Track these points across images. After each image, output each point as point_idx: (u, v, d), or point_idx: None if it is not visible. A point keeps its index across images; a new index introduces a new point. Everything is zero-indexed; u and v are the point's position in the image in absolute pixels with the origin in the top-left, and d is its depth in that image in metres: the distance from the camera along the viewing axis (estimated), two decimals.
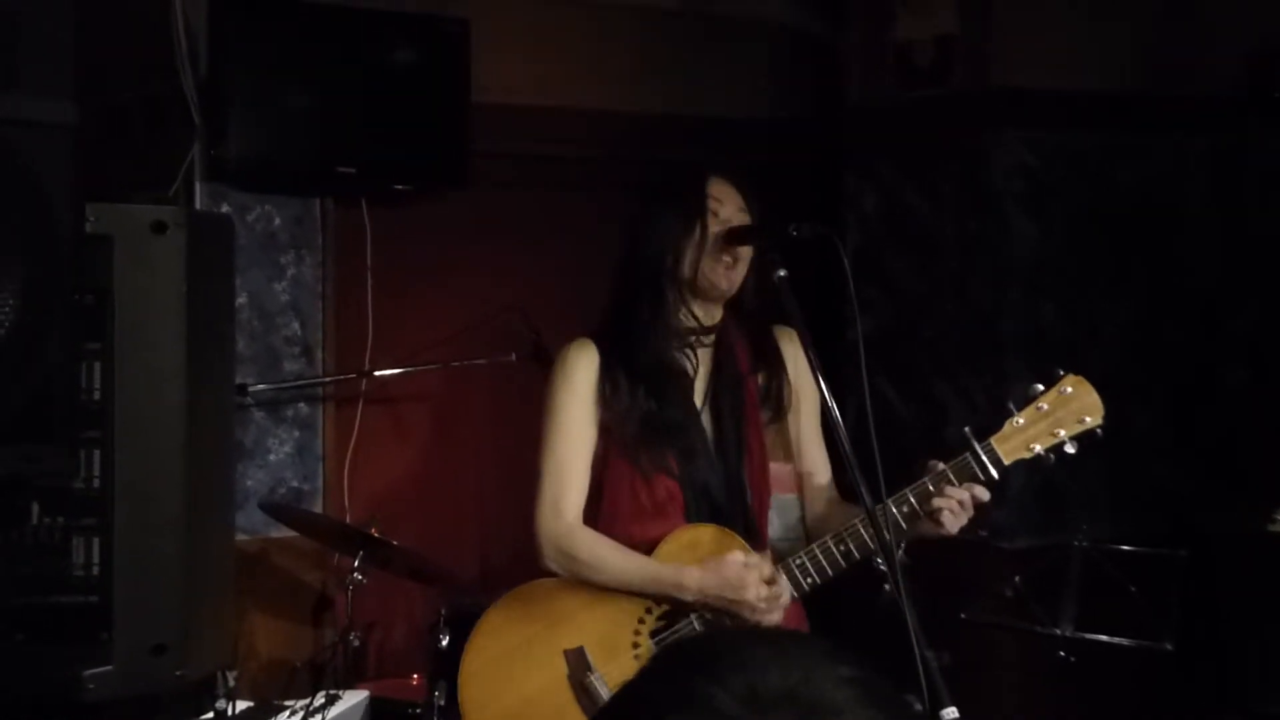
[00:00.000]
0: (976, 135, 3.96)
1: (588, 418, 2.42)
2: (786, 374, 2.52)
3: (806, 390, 2.51)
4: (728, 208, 2.44)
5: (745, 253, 2.43)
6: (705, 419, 2.46)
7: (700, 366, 2.48)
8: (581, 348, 2.44)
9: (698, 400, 2.46)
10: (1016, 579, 3.26)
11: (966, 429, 2.31)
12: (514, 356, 3.70)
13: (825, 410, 2.22)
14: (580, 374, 2.42)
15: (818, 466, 2.53)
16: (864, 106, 4.20)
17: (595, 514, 2.44)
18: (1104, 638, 3.18)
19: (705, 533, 2.42)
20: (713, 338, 2.49)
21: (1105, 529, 3.51)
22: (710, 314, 2.49)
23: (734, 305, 2.50)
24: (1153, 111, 4.01)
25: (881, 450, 2.07)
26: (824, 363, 2.23)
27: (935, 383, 4.01)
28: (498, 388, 3.83)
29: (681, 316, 2.46)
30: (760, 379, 2.52)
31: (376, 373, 3.74)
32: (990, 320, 3.96)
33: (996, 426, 2.31)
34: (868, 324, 3.82)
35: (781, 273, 2.27)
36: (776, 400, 2.51)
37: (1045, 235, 3.97)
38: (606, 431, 2.43)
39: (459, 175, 3.70)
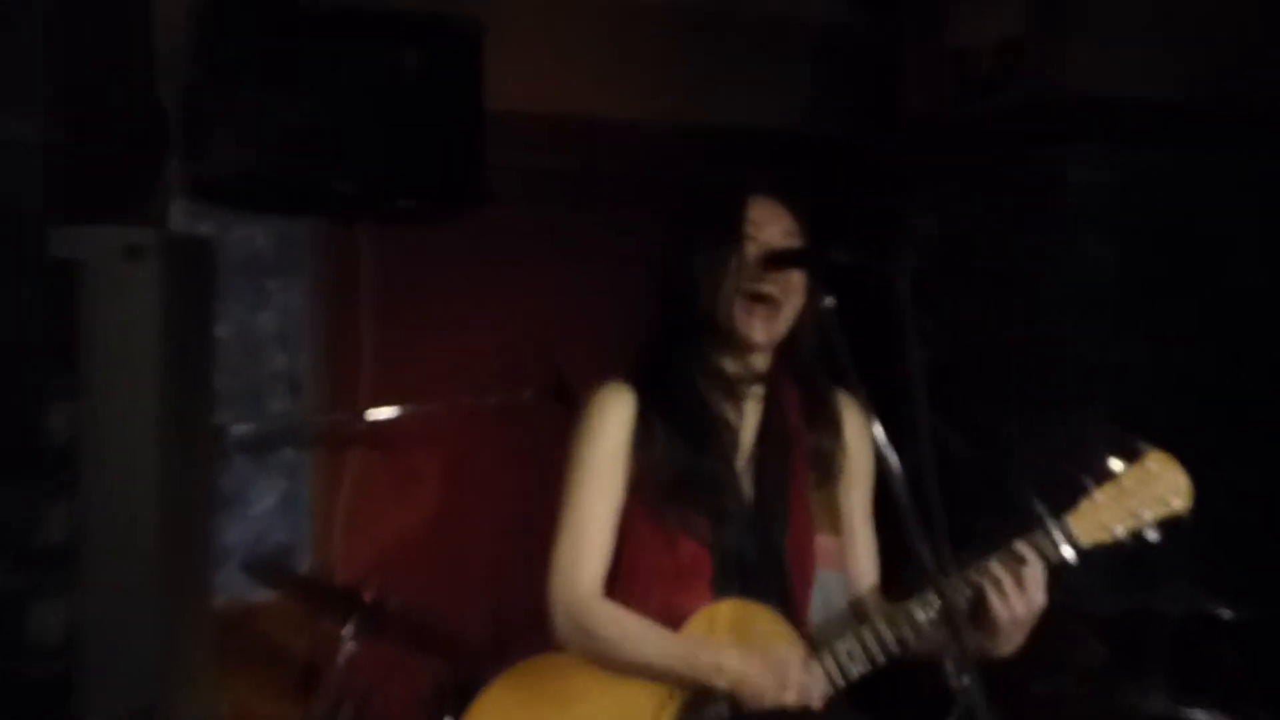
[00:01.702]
0: (1047, 149, 3.95)
1: (617, 475, 2.39)
2: (843, 439, 2.50)
3: (862, 463, 2.50)
4: (770, 231, 2.42)
5: (792, 289, 2.40)
6: (746, 478, 2.44)
7: (746, 419, 2.45)
8: (615, 394, 2.41)
9: (740, 457, 2.44)
10: (1099, 647, 3.28)
11: (1039, 504, 2.34)
12: (530, 395, 3.69)
13: (887, 484, 2.19)
14: (612, 424, 2.39)
15: (865, 549, 2.52)
16: (919, 117, 4.23)
17: (610, 575, 2.43)
18: (1200, 715, 3.16)
19: (742, 610, 2.39)
20: (761, 388, 2.47)
21: (1202, 591, 3.50)
22: (757, 360, 2.46)
23: (787, 352, 2.47)
24: (1247, 126, 3.99)
25: (943, 500, 2.07)
26: (875, 404, 2.24)
27: (1000, 425, 3.97)
28: (512, 430, 3.83)
29: (723, 363, 2.44)
30: (812, 438, 2.49)
31: (373, 413, 3.72)
32: (1063, 356, 3.94)
33: (1070, 500, 2.33)
34: (925, 358, 3.81)
35: (828, 301, 2.26)
36: (828, 463, 2.50)
37: (1124, 261, 3.95)
38: (634, 484, 2.41)
39: (469, 191, 3.68)
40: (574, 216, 4.05)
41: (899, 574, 2.40)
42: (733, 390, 2.43)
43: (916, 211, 4.19)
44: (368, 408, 3.75)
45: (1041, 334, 3.97)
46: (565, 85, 4.05)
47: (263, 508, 3.78)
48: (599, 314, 3.78)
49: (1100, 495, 2.33)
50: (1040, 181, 3.95)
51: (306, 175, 3.55)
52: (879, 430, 2.17)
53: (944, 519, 2.07)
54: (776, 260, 2.39)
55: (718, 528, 2.38)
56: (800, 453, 2.48)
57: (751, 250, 2.39)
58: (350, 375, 3.82)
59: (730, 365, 2.44)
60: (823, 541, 2.49)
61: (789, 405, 2.49)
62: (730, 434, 2.43)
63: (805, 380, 2.48)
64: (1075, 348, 3.92)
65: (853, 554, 2.51)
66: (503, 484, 3.94)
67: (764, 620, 2.39)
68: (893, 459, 2.14)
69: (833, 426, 2.49)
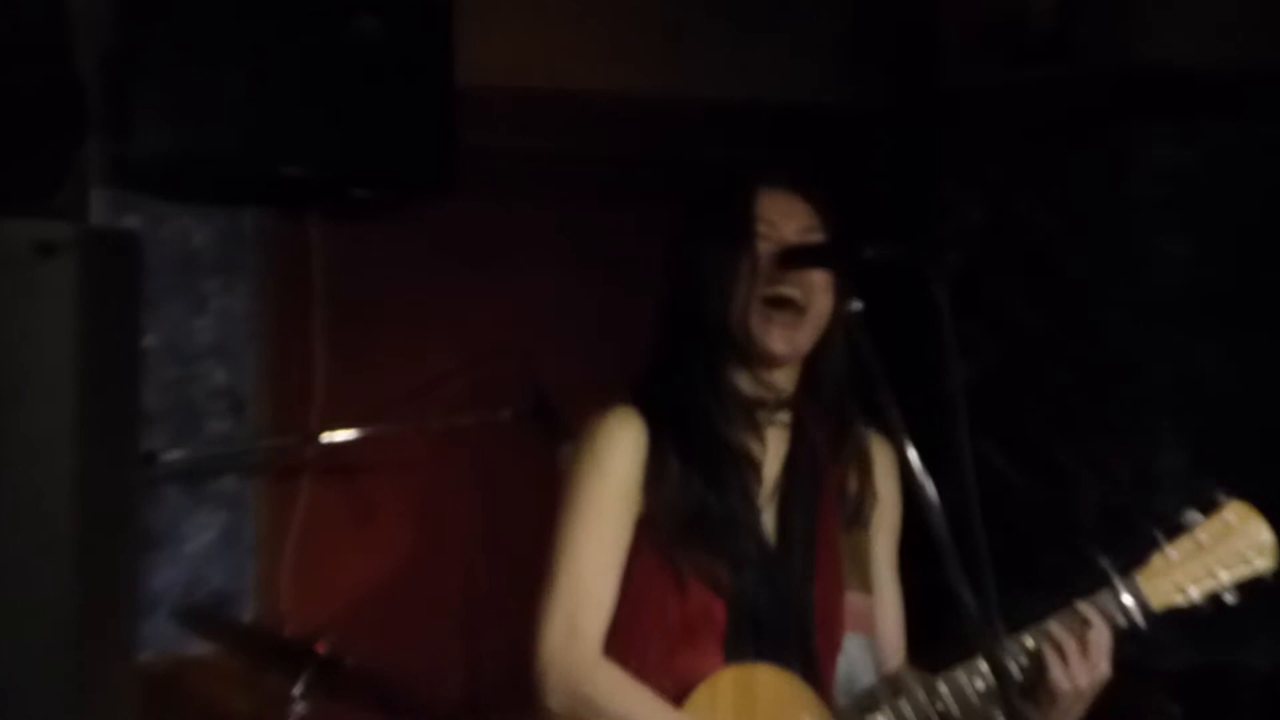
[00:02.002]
0: (1111, 126, 3.97)
1: (625, 515, 2.38)
2: (872, 477, 2.50)
3: (890, 506, 2.51)
4: (787, 227, 2.42)
5: (817, 292, 2.38)
6: (768, 519, 2.44)
7: (770, 449, 2.44)
8: (623, 421, 2.40)
9: (763, 494, 2.43)
10: (1175, 709, 3.30)
11: (1104, 561, 2.34)
12: (510, 414, 3.67)
13: (924, 521, 2.18)
14: (621, 456, 2.38)
15: (893, 607, 2.54)
16: (964, 90, 4.23)
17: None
18: None
19: (758, 677, 2.37)
20: (788, 414, 2.45)
21: None
22: (781, 381, 2.44)
23: (814, 370, 2.46)
24: None
25: (990, 540, 2.07)
26: (910, 426, 2.22)
27: (1059, 448, 3.99)
28: (489, 455, 3.81)
29: (742, 382, 2.43)
30: (841, 474, 2.49)
31: (328, 436, 3.70)
32: (1130, 365, 3.95)
33: (1138, 552, 2.35)
34: (970, 371, 3.86)
35: (855, 306, 2.24)
36: (857, 505, 2.49)
37: (1201, 255, 3.97)
38: (641, 527, 2.39)
39: (438, 179, 3.70)
40: (560, 209, 4.03)
41: (936, 632, 2.38)
42: (754, 415, 2.42)
43: (959, 200, 4.21)
44: (322, 430, 3.73)
45: (1107, 343, 3.97)
46: (550, 55, 4.04)
47: (198, 546, 3.73)
48: (588, 322, 3.77)
49: (1174, 551, 2.35)
50: (1106, 164, 3.97)
51: (249, 159, 3.54)
52: (914, 456, 2.15)
53: (991, 564, 2.07)
54: (794, 259, 2.37)
55: (735, 574, 2.37)
56: (829, 491, 2.48)
57: (765, 249, 2.39)
58: (301, 392, 3.80)
59: (750, 385, 2.43)
60: (852, 599, 2.48)
61: (817, 434, 2.47)
62: (752, 467, 2.42)
63: (834, 404, 2.46)
64: (1146, 359, 3.93)
65: (880, 612, 2.52)
66: (479, 519, 3.93)
67: (784, 690, 2.37)
68: (930, 491, 2.12)
69: (863, 461, 2.49)
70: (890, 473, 2.49)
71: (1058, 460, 3.99)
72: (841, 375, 2.43)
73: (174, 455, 3.59)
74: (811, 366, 2.44)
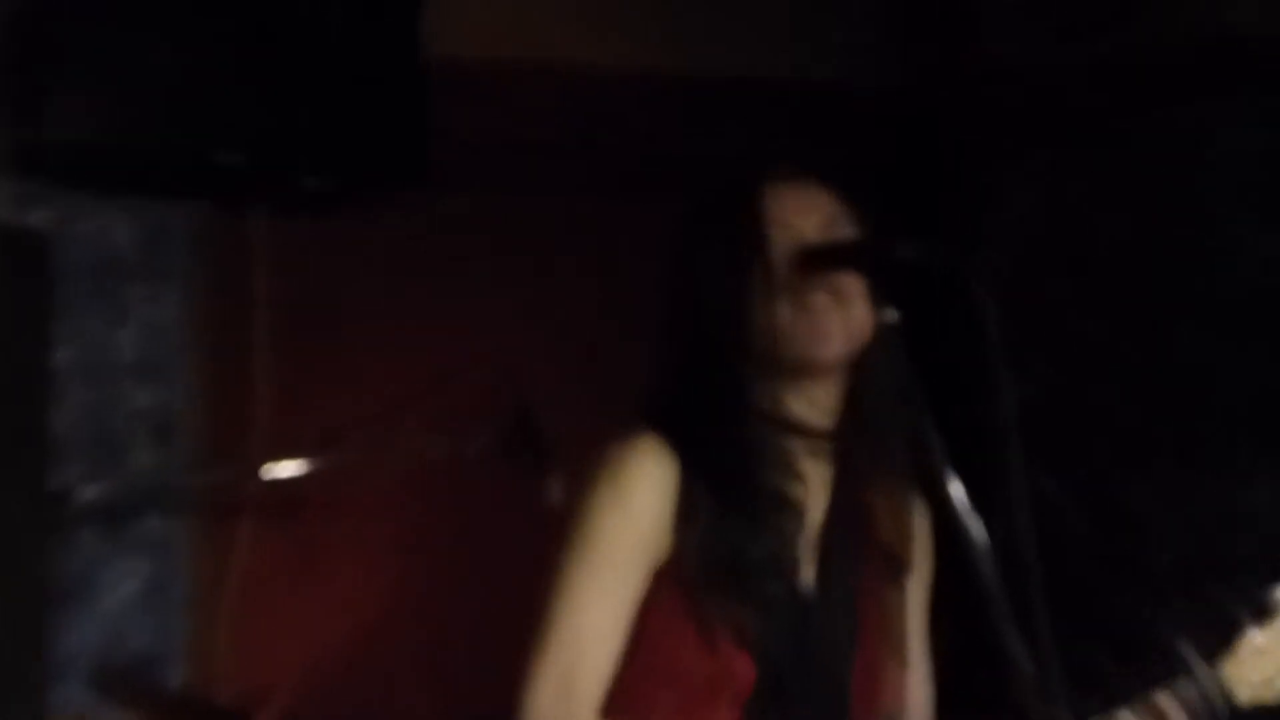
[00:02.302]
0: (1186, 106, 3.94)
1: (639, 561, 2.38)
2: (910, 522, 2.53)
3: (925, 558, 2.54)
4: (806, 224, 2.43)
5: (850, 295, 2.37)
6: (808, 570, 2.44)
7: (812, 485, 2.45)
8: (651, 453, 2.39)
9: (805, 537, 2.45)
10: None
11: (1184, 647, 2.36)
12: (487, 443, 3.62)
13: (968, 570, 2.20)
14: (645, 493, 2.38)
15: (922, 672, 2.57)
16: (1012, 66, 4.25)
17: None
18: None
19: None
20: (832, 447, 2.46)
21: None
22: (823, 398, 2.44)
23: (855, 394, 2.46)
24: None
25: (1048, 592, 2.08)
26: (952, 455, 2.23)
27: (1128, 484, 3.98)
28: (462, 491, 3.81)
29: (783, 404, 2.43)
30: (884, 518, 2.50)
31: (272, 469, 3.65)
32: (1208, 383, 3.91)
33: (1221, 630, 2.39)
34: (1022, 392, 3.77)
35: (890, 316, 2.28)
36: (897, 555, 2.51)
37: None
38: (661, 575, 2.39)
39: (403, 167, 3.68)
40: (548, 203, 4.02)
41: (981, 702, 2.35)
42: (795, 445, 2.43)
43: (1004, 192, 4.23)
44: (265, 462, 3.66)
45: (1180, 357, 3.94)
46: (536, 24, 4.04)
47: (119, 599, 3.69)
48: (581, 335, 3.79)
49: (1262, 635, 2.37)
50: (1177, 149, 3.95)
51: (179, 144, 3.50)
52: (958, 493, 2.16)
53: (1049, 622, 2.08)
54: (814, 260, 2.37)
55: (766, 628, 2.38)
56: (875, 537, 2.49)
57: (781, 250, 2.40)
58: (241, 417, 3.77)
59: (792, 405, 2.42)
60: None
61: (862, 470, 2.48)
62: (794, 506, 2.42)
63: (879, 434, 2.45)
64: (1227, 376, 3.88)
65: (913, 683, 2.54)
66: (450, 564, 3.92)
67: None
68: (977, 533, 2.13)
69: (904, 503, 2.51)
70: (922, 517, 2.52)
71: (1126, 497, 3.98)
72: (889, 398, 2.40)
73: (90, 492, 3.56)
74: (853, 388, 2.44)
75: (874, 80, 4.37)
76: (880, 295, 2.27)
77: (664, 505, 2.37)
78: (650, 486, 2.37)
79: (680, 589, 2.37)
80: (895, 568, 2.50)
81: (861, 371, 2.42)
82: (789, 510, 2.42)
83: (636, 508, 2.37)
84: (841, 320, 2.36)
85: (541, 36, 4.01)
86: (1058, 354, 4.03)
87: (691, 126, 4.04)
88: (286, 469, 3.64)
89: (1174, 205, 3.97)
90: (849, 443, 2.46)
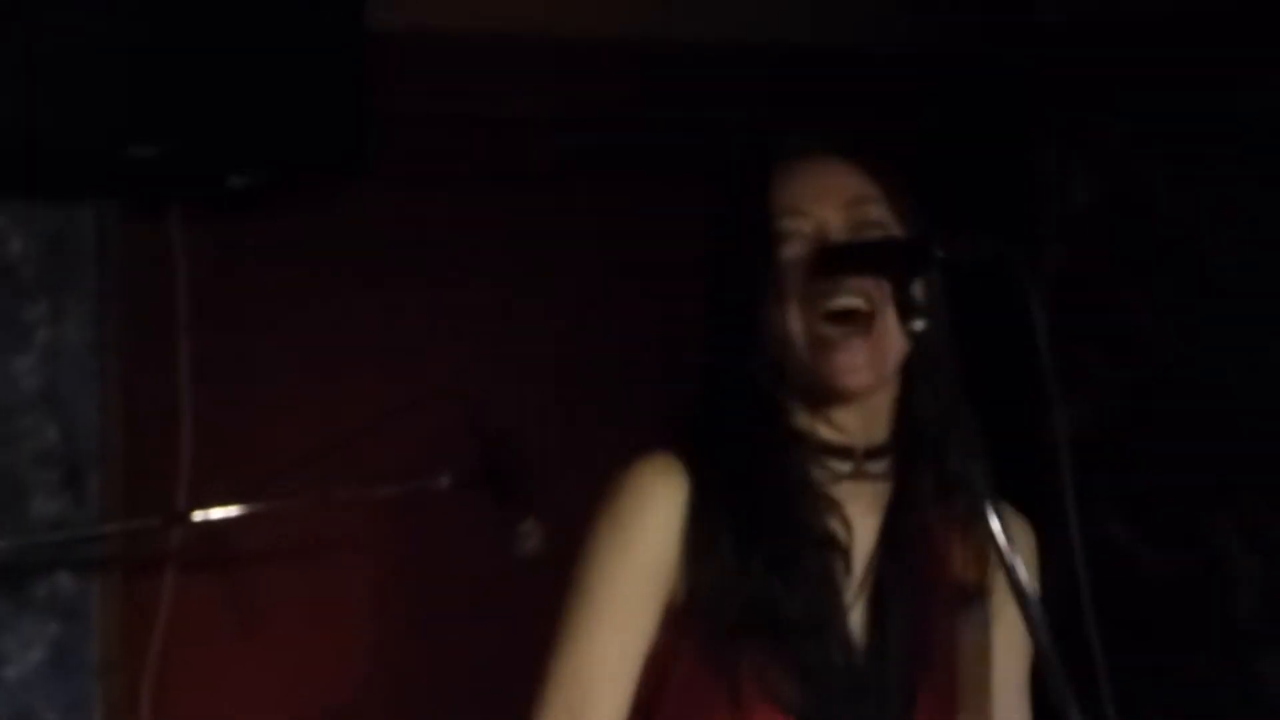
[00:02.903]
0: (1271, 75, 3.93)
1: (650, 591, 2.38)
2: (990, 562, 2.45)
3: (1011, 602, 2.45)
4: (827, 210, 2.38)
5: (871, 302, 2.33)
6: (858, 616, 2.40)
7: (857, 523, 2.40)
8: (659, 473, 2.40)
9: (851, 582, 2.41)
10: None
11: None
12: (449, 481, 3.60)
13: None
14: (653, 514, 2.37)
15: None
16: (1069, 32, 4.24)
17: None
18: None
19: None
20: (883, 464, 2.41)
21: None
22: (856, 424, 2.40)
23: (909, 408, 2.42)
24: None
25: (1108, 640, 2.08)
26: (996, 481, 2.24)
27: (1206, 515, 3.97)
28: (421, 535, 3.82)
29: (816, 428, 2.40)
30: (955, 539, 2.47)
31: (200, 514, 3.59)
32: None
33: None
34: (1081, 411, 3.87)
35: (919, 325, 2.24)
36: (974, 599, 2.48)
37: None
38: (678, 616, 2.37)
39: (344, 158, 3.69)
40: (516, 195, 4.00)
41: None
42: (832, 475, 2.39)
43: (1061, 176, 4.22)
44: (192, 507, 3.65)
45: (1267, 369, 3.97)
46: None
47: (22, 669, 3.68)
48: (559, 351, 3.82)
49: None
50: (1263, 127, 3.96)
51: (84, 136, 3.53)
52: (998, 527, 2.18)
53: (1109, 675, 2.06)
54: (834, 262, 2.33)
55: (808, 690, 2.36)
56: (943, 579, 2.44)
57: (796, 246, 2.36)
58: (163, 454, 3.76)
59: (826, 431, 2.39)
60: None
61: (923, 499, 2.43)
62: (835, 543, 2.38)
63: (939, 456, 2.41)
64: None
65: None
66: (408, 619, 3.94)
67: None
68: (1023, 573, 2.16)
69: (984, 537, 2.41)
70: (1029, 558, 2.46)
71: (1202, 532, 3.98)
72: (947, 412, 2.41)
73: None
74: (906, 403, 2.42)
75: (906, 47, 4.33)
76: (911, 300, 2.23)
77: (672, 531, 2.39)
78: (654, 509, 2.40)
79: (700, 640, 2.37)
80: (971, 603, 2.48)
81: (915, 382, 2.40)
82: (829, 546, 2.39)
83: (638, 529, 2.40)
84: (865, 346, 2.34)
85: (504, 4, 3.98)
86: (1122, 365, 4.09)
87: (704, 103, 4.03)
88: (216, 514, 3.59)
89: (1260, 192, 3.96)
90: (901, 459, 2.43)
